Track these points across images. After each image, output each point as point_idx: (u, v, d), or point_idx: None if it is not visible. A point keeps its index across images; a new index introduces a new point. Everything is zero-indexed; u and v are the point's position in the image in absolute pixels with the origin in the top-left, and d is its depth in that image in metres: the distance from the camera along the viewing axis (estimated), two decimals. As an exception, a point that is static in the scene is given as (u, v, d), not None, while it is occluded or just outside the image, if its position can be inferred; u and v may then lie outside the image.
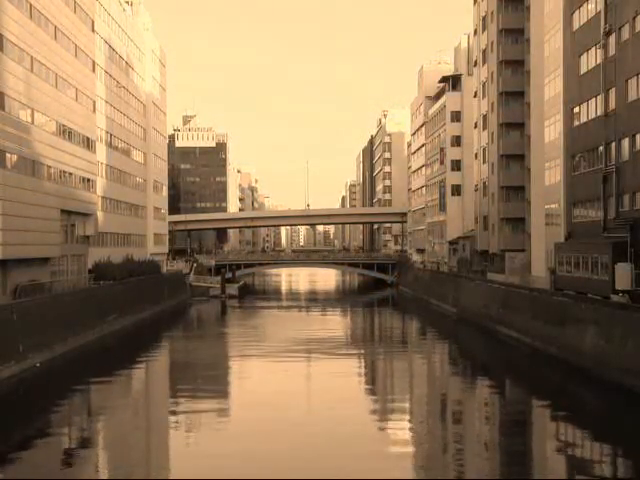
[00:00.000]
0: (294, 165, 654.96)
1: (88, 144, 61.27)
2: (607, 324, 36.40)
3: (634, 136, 40.67)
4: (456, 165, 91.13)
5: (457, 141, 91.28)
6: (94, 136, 63.54)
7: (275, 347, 50.23)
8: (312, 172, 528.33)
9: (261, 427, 28.26)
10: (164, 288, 79.81)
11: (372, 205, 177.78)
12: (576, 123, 49.00)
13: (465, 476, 23.55)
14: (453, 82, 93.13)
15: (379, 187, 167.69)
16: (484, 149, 75.49)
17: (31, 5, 48.80)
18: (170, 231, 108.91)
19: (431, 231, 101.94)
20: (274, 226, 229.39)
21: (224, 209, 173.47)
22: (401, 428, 29.48)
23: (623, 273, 37.30)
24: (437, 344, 56.32)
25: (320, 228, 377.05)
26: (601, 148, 44.76)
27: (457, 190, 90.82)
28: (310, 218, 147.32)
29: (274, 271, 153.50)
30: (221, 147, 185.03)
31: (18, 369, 38.11)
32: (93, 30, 63.63)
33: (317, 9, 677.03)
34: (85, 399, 36.28)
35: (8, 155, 45.07)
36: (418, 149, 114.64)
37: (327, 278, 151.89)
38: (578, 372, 37.67)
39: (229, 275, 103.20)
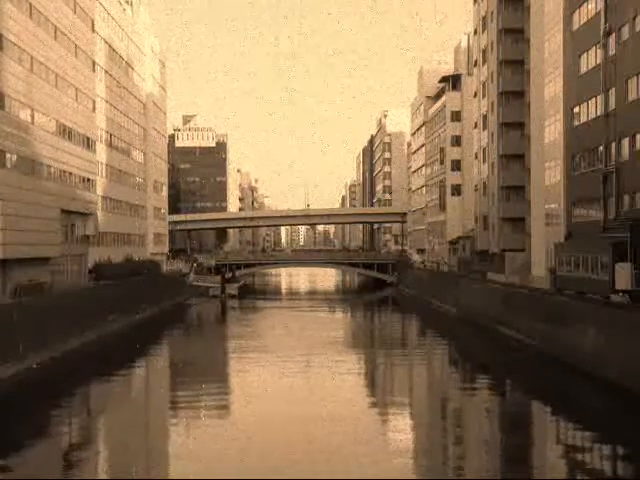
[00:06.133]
0: (294, 165, 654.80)
1: (88, 144, 61.27)
2: (607, 324, 36.38)
3: (634, 136, 40.67)
4: (456, 165, 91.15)
5: (457, 141, 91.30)
6: (94, 136, 63.55)
7: (275, 348, 50.14)
8: (312, 172, 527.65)
9: (262, 431, 28.14)
10: (164, 288, 79.75)
11: (372, 205, 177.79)
12: (576, 123, 49.00)
13: (465, 476, 23.55)
14: (453, 82, 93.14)
15: (379, 187, 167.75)
16: (484, 149, 75.50)
17: (31, 5, 48.79)
18: (170, 231, 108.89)
19: (431, 231, 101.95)
20: (274, 226, 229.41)
21: (224, 209, 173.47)
22: (401, 428, 29.50)
23: (623, 273, 37.24)
24: (437, 343, 56.28)
25: (320, 228, 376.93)
26: (601, 148, 44.75)
27: (457, 190, 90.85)
28: (310, 218, 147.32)
29: (274, 271, 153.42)
30: (221, 147, 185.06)
31: (18, 369, 38.05)
32: (93, 30, 63.62)
33: (317, 9, 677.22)
34: (85, 399, 36.29)
35: (8, 155, 45.07)
36: (418, 149, 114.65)
37: (327, 278, 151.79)
38: (578, 372, 37.63)
39: (229, 275, 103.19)
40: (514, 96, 68.12)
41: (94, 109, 63.77)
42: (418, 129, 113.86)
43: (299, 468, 23.28)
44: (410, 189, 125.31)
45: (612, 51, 43.41)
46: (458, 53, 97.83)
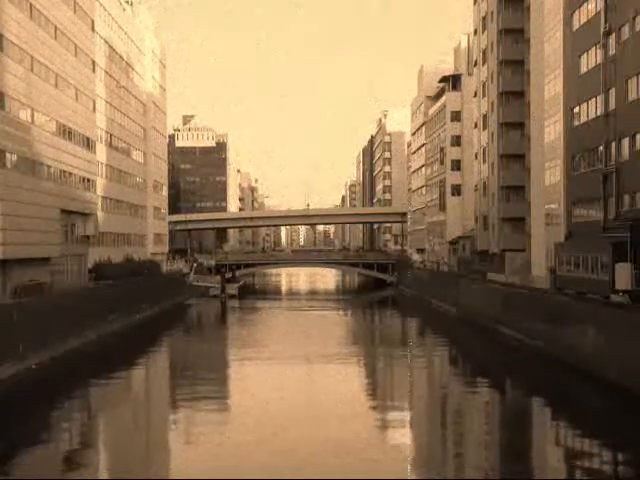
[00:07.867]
0: (294, 165, 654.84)
1: (88, 144, 61.27)
2: (607, 324, 36.38)
3: (634, 136, 40.68)
4: (456, 165, 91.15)
5: (457, 141, 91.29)
6: (94, 136, 63.56)
7: (276, 351, 49.98)
8: (312, 172, 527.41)
9: (262, 433, 28.04)
10: (164, 288, 79.75)
11: (372, 205, 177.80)
12: (576, 123, 49.01)
13: (465, 476, 23.56)
14: (453, 82, 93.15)
15: (379, 187, 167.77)
16: (484, 149, 75.50)
17: (31, 5, 48.80)
18: (170, 231, 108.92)
19: (431, 231, 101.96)
20: (274, 226, 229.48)
21: (224, 209, 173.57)
22: (401, 428, 29.54)
23: (623, 273, 37.26)
24: (438, 344, 56.25)
25: (320, 228, 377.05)
26: (601, 148, 44.76)
27: (457, 190, 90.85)
28: (310, 218, 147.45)
29: (274, 271, 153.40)
30: (221, 147, 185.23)
31: (18, 369, 38.05)
32: (93, 30, 63.64)
33: (317, 9, 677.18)
34: (84, 400, 36.25)
35: (8, 155, 45.07)
36: (418, 149, 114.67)
37: (327, 278, 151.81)
38: (578, 372, 37.65)
39: (229, 275, 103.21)
40: (514, 96, 68.12)
41: (94, 109, 63.77)
42: (418, 129, 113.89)
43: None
44: (410, 189, 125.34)
45: (612, 51, 43.42)
46: (458, 53, 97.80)
